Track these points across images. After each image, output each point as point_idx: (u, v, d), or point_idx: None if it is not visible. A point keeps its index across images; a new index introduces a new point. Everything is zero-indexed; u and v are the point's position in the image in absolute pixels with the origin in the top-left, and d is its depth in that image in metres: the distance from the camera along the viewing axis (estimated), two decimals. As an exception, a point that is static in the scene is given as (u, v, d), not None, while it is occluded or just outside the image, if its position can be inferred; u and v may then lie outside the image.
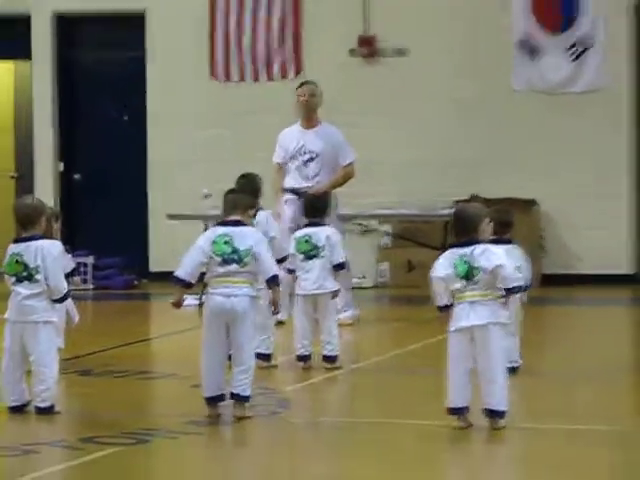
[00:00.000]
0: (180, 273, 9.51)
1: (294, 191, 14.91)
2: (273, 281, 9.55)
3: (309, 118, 15.37)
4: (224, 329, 9.51)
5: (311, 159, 15.28)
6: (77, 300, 11.77)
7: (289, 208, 14.59)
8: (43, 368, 9.89)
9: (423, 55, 19.37)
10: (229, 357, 9.80)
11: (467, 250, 8.88)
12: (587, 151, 19.09)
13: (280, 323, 12.94)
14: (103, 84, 20.98)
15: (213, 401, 9.49)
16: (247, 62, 19.74)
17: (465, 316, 9.02)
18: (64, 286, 9.95)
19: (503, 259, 9.12)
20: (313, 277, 11.85)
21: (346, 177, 15.45)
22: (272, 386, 10.98)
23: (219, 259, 9.42)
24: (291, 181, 15.02)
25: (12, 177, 21.47)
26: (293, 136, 15.39)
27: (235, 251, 9.49)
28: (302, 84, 15.82)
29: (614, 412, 9.86)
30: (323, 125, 15.55)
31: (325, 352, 11.79)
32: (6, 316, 9.79)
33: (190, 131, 19.87)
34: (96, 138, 21.00)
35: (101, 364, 12.45)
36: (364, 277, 18.73)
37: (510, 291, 9.21)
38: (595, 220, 19.00)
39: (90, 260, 18.76)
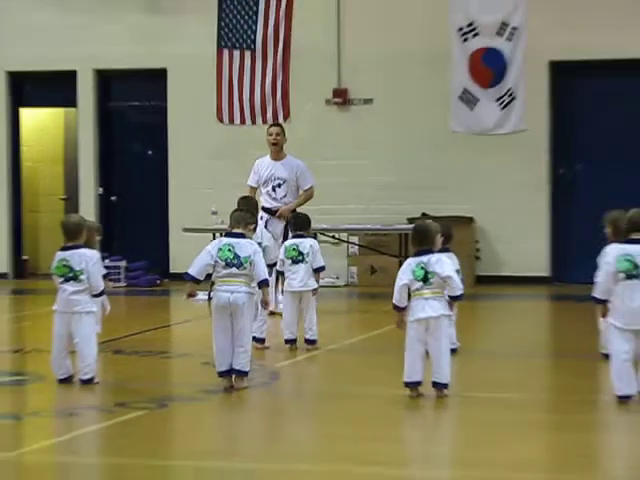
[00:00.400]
0: (191, 271, 10.81)
1: (266, 210, 16.19)
2: (264, 283, 10.84)
3: (277, 152, 16.64)
4: (228, 318, 10.64)
5: (279, 185, 16.59)
6: (111, 295, 13.27)
7: (262, 223, 15.31)
8: (85, 349, 11.10)
9: (385, 103, 20.43)
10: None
11: (424, 258, 10.17)
12: (513, 179, 20.07)
13: (272, 314, 14.16)
14: (133, 126, 22.30)
15: (225, 374, 10.69)
16: (246, 109, 20.36)
17: (422, 309, 10.19)
18: (101, 284, 11.25)
19: (452, 271, 10.40)
20: (299, 277, 13.18)
21: (307, 198, 16.88)
22: (265, 363, 12.48)
23: (223, 263, 10.62)
24: (264, 202, 16.20)
25: (62, 199, 22.52)
26: (265, 166, 16.69)
27: (237, 257, 10.63)
28: (271, 126, 17.45)
29: (529, 384, 11.67)
30: (288, 158, 16.76)
31: (307, 336, 13.28)
32: (55, 307, 11.11)
33: (201, 162, 20.83)
34: (128, 168, 22.17)
35: (130, 345, 14.07)
36: (337, 278, 19.74)
37: (455, 298, 10.54)
38: (519, 233, 20.01)
39: (123, 263, 19.93)
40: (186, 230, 18.62)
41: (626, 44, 19.34)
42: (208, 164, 20.63)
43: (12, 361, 14.03)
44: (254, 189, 16.23)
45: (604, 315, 10.44)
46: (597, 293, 10.31)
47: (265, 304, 11.71)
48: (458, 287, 10.29)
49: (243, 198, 12.81)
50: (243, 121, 20.17)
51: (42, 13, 21.96)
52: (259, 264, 11.06)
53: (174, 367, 13.71)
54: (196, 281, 11.12)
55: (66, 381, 11.34)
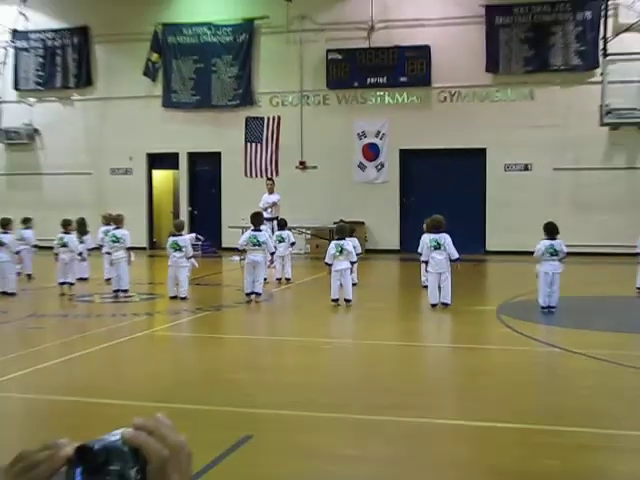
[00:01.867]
0: (239, 246, 15.02)
1: (266, 219, 18.85)
2: (271, 253, 15.43)
3: (270, 191, 21.50)
4: (252, 269, 14.72)
5: (270, 206, 21.02)
6: (196, 258, 16.92)
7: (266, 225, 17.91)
8: (183, 283, 15.17)
9: (322, 168, 24.96)
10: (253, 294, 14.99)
11: (341, 242, 14.27)
12: (384, 202, 24.58)
13: (271, 267, 17.49)
14: (205, 178, 26.75)
15: (249, 295, 14.76)
16: (257, 170, 24.09)
17: (338, 265, 14.13)
18: (191, 253, 15.37)
19: (352, 248, 14.52)
20: (282, 249, 17.66)
21: (278, 209, 20.87)
22: (267, 290, 15.97)
23: (251, 244, 14.61)
24: (265, 215, 18.93)
25: (171, 212, 27.09)
26: (265, 198, 21.22)
27: (257, 241, 14.69)
28: (268, 178, 22.57)
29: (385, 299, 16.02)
30: (275, 193, 21.53)
31: (287, 276, 18.03)
32: (169, 264, 15.38)
33: (236, 193, 24.79)
34: (202, 197, 26.76)
35: (203, 281, 18.05)
36: (300, 250, 22.62)
37: (353, 263, 14.53)
38: (386, 228, 24.59)
39: (199, 243, 22.09)
40: (230, 227, 22.74)
41: (432, 140, 24.02)
42: (239, 194, 24.14)
43: (149, 288, 17.90)
44: (260, 209, 19.47)
45: (427, 265, 14.47)
46: (423, 256, 14.51)
47: (270, 262, 16.04)
48: (354, 256, 14.64)
49: (256, 213, 16.36)
50: (256, 176, 24.06)
51: (166, 123, 26.19)
52: (269, 244, 15.17)
53: (224, 291, 17.69)
54: (241, 251, 15.47)
55: (173, 298, 15.17)
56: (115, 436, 1.15)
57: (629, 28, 21.97)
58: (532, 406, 8.24)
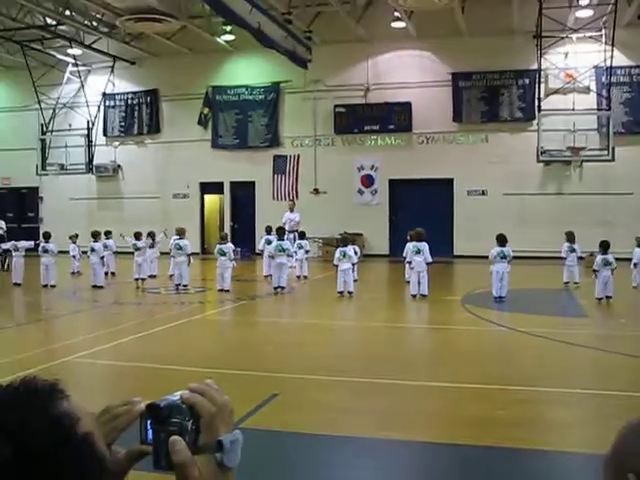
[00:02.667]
0: (268, 252, 15.86)
1: (288, 231, 18.90)
2: (290, 256, 15.53)
3: (291, 210, 21.87)
4: (279, 269, 15.10)
5: (291, 221, 21.26)
6: (236, 260, 16.89)
7: (287, 236, 17.37)
8: (227, 279, 15.42)
9: (330, 193, 24.92)
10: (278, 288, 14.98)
11: (345, 248, 14.65)
12: (377, 220, 24.38)
13: (292, 267, 17.32)
14: (243, 202, 26.31)
15: (276, 288, 15.04)
16: (282, 195, 24.95)
17: (418, 266, 14.13)
18: (232, 256, 15.61)
19: (354, 253, 14.87)
20: (300, 254, 17.88)
21: (298, 224, 20.99)
22: (290, 285, 16.23)
23: (277, 250, 15.15)
24: (287, 229, 18.80)
25: (218, 226, 26.61)
26: (287, 215, 21.51)
27: (282, 248, 15.27)
28: (290, 200, 23.12)
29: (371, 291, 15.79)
30: (295, 212, 21.88)
31: (304, 274, 17.88)
32: (217, 265, 15.25)
33: (267, 211, 24.28)
34: (242, 215, 26.28)
35: (241, 278, 17.86)
36: (314, 254, 21.97)
37: (354, 264, 14.66)
38: (378, 237, 24.42)
39: (238, 249, 20.68)
40: (261, 237, 20.13)
41: (414, 172, 23.70)
42: (269, 213, 23.73)
43: (202, 283, 17.67)
44: (284, 224, 19.60)
45: (410, 265, 14.51)
46: (407, 258, 14.54)
47: (290, 266, 16.01)
48: (355, 259, 14.96)
49: (280, 227, 16.98)
50: (281, 199, 24.81)
51: (214, 159, 25.99)
52: (290, 249, 15.72)
53: (257, 285, 17.65)
54: (271, 256, 15.88)
55: (220, 291, 15.42)
56: (176, 396, 1.17)
57: (556, 91, 22.38)
58: (487, 371, 8.27)
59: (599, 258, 13.93)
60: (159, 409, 1.14)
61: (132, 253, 17.38)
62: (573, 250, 15.75)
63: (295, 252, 16.71)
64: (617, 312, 13.00)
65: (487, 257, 14.38)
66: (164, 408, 1.14)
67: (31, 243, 18.39)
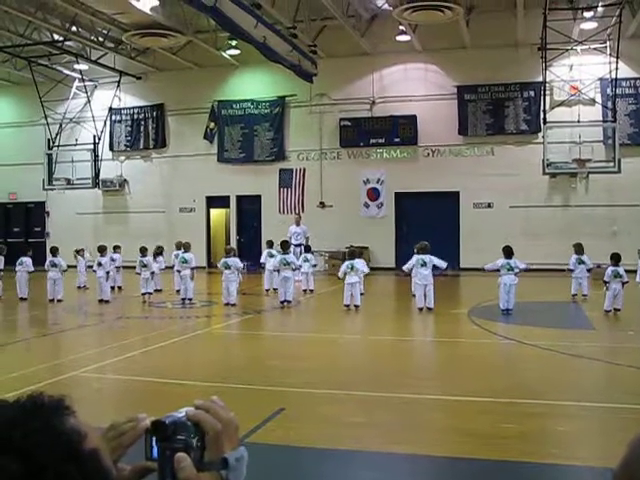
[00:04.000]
0: (273, 266, 15.46)
1: (294, 245, 19.61)
2: (297, 269, 15.46)
3: (297, 223, 21.76)
4: (284, 282, 14.99)
5: (297, 235, 21.22)
6: (242, 274, 16.66)
7: (293, 249, 18.23)
8: (233, 292, 15.07)
9: (337, 206, 24.82)
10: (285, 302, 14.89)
11: (353, 261, 14.54)
12: (384, 233, 24.32)
13: (298, 281, 17.30)
14: (249, 215, 26.15)
15: (282, 302, 14.95)
16: (288, 208, 24.61)
17: (351, 278, 14.24)
18: (240, 269, 15.52)
19: (363, 266, 14.80)
20: (306, 267, 17.58)
21: (307, 238, 20.96)
22: (295, 298, 16.01)
23: (282, 264, 14.99)
24: (293, 242, 19.71)
25: (224, 240, 26.04)
26: (293, 229, 21.38)
27: (286, 261, 15.12)
28: (296, 214, 22.93)
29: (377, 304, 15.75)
30: (301, 225, 21.72)
31: (310, 287, 17.68)
32: (222, 278, 15.21)
33: (272, 224, 24.19)
34: (246, 228, 26.16)
35: (247, 291, 17.75)
36: (321, 268, 22.29)
37: (365, 275, 14.62)
38: (384, 250, 24.25)
39: (245, 263, 19.47)
40: (264, 250, 20.29)
41: (419, 185, 23.69)
42: (274, 226, 23.61)
43: (207, 297, 17.59)
44: (289, 238, 19.74)
45: (405, 272, 14.86)
46: (407, 269, 14.51)
47: (296, 281, 16.00)
48: (364, 271, 14.94)
49: (284, 241, 16.46)
50: (287, 213, 24.52)
51: (220, 173, 25.91)
52: (294, 262, 15.51)
53: (262, 299, 17.42)
54: (277, 270, 15.54)
55: (226, 304, 15.25)
56: (181, 413, 1.17)
57: (561, 104, 22.36)
58: (494, 384, 8.20)
59: (610, 270, 13.83)
60: (164, 426, 1.14)
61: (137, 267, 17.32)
62: (581, 262, 15.64)
63: (301, 266, 16.66)
64: (625, 324, 12.85)
65: (495, 270, 14.14)
66: (169, 425, 1.14)
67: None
